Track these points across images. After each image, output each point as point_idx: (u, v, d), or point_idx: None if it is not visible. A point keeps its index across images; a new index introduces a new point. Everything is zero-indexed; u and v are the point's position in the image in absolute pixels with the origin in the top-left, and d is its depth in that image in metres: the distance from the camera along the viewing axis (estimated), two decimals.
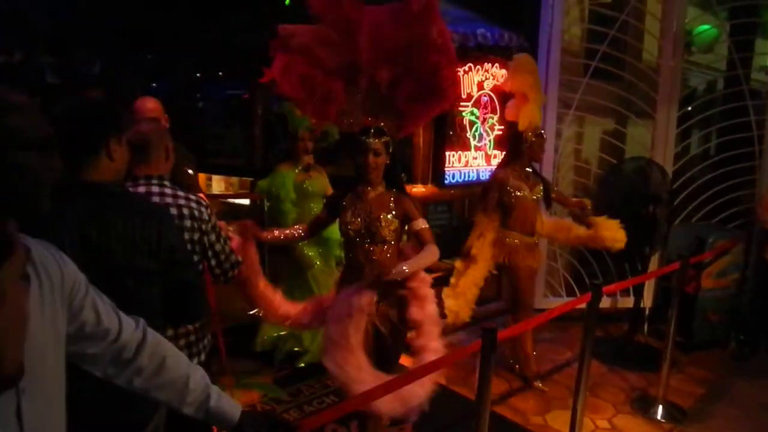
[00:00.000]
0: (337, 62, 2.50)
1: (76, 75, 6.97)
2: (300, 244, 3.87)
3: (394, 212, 2.63)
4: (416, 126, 2.64)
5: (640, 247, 4.72)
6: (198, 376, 1.42)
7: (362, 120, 2.62)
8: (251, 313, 4.87)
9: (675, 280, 3.72)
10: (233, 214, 6.52)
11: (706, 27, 5.73)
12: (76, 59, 7.66)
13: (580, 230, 4.07)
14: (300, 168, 3.96)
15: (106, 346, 1.28)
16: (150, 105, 2.86)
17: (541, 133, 3.88)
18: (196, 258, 2.16)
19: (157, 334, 1.41)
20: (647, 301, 5.03)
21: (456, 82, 2.72)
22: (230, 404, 1.44)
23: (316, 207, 3.79)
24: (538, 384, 4.00)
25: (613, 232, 3.99)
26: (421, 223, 2.65)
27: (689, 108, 5.22)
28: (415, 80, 2.59)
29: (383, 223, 2.60)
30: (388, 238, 2.63)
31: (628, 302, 4.95)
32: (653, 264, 4.93)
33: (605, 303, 5.01)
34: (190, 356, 2.18)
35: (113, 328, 1.29)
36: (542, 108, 4.08)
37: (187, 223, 2.09)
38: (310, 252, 3.97)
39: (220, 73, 6.53)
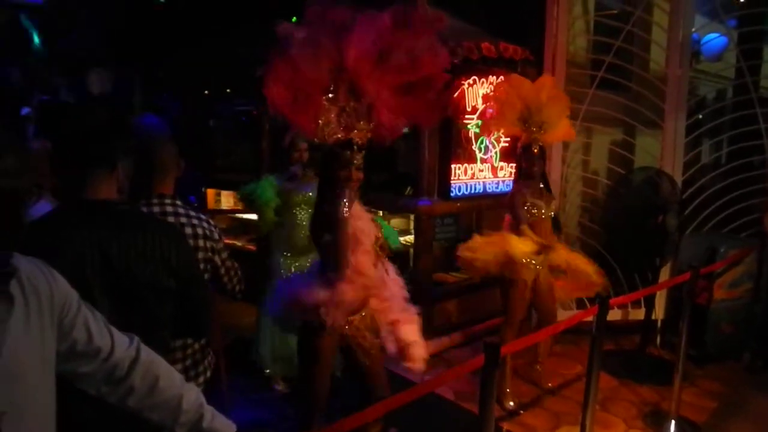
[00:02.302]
0: (322, 67, 2.47)
1: (88, 94, 7.07)
2: (283, 254, 3.92)
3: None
4: (392, 138, 2.62)
5: (651, 258, 4.66)
6: (192, 395, 1.41)
7: (338, 131, 2.57)
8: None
9: (685, 291, 3.66)
10: (242, 228, 6.55)
11: (714, 35, 5.70)
12: (89, 78, 7.79)
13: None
14: (286, 178, 3.94)
15: (98, 365, 1.27)
16: (153, 121, 2.87)
17: (527, 146, 3.78)
18: (207, 276, 2.18)
19: (152, 352, 1.39)
20: (659, 313, 4.96)
21: (445, 100, 2.68)
22: (224, 425, 1.43)
23: (301, 215, 3.84)
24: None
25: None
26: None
27: (698, 117, 5.18)
28: (399, 93, 2.56)
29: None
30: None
31: (640, 314, 4.87)
32: (665, 275, 4.86)
33: (616, 315, 4.96)
34: (196, 375, 2.17)
35: (105, 346, 1.28)
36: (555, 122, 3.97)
37: (201, 242, 2.10)
38: (288, 261, 3.94)
39: (228, 90, 6.57)
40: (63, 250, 1.52)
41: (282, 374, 4.03)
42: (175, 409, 1.37)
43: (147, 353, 1.37)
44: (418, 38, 2.50)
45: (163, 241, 1.70)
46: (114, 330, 1.32)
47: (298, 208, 3.91)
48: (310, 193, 3.74)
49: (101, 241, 1.57)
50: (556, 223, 3.97)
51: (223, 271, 2.23)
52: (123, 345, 1.32)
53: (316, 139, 2.58)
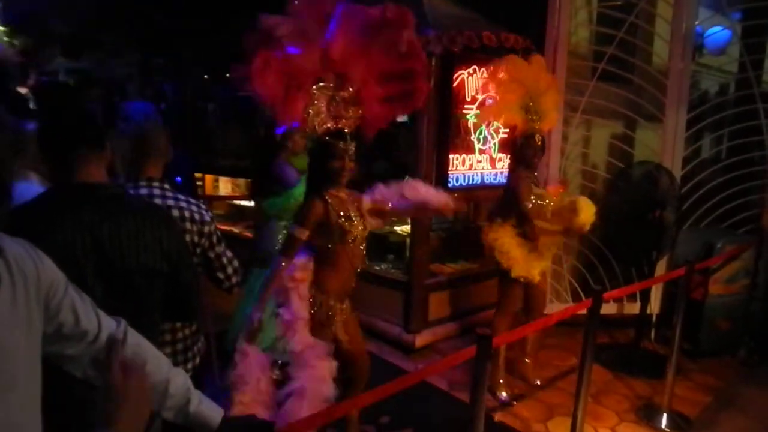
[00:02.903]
0: (309, 59, 2.47)
1: (86, 76, 7.05)
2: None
3: (358, 211, 2.72)
4: (378, 127, 2.67)
5: (648, 252, 4.65)
6: (179, 380, 1.40)
7: (327, 120, 2.59)
8: None
9: (680, 285, 3.65)
10: (239, 215, 6.54)
11: (717, 29, 5.65)
12: (87, 61, 7.77)
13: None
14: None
15: (84, 347, 1.26)
16: (143, 107, 2.85)
17: (530, 135, 3.67)
18: (196, 260, 2.16)
19: (139, 336, 1.38)
20: (654, 307, 4.96)
21: (425, 88, 2.73)
22: (211, 409, 1.42)
23: None
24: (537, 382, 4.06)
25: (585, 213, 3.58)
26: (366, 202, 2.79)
27: (699, 111, 5.14)
28: (384, 83, 2.60)
29: (355, 222, 2.65)
30: (359, 237, 2.67)
31: (635, 308, 4.87)
32: (661, 269, 4.86)
33: (611, 309, 4.96)
34: (185, 361, 2.17)
35: (92, 329, 1.27)
36: (552, 111, 3.92)
37: (188, 225, 2.09)
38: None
39: (228, 75, 6.54)
40: (53, 233, 1.51)
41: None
42: (162, 394, 1.36)
43: (134, 337, 1.36)
44: (401, 32, 2.51)
45: (154, 225, 1.70)
46: (101, 313, 1.31)
47: None
48: None
49: (92, 224, 1.57)
50: None
51: (212, 255, 2.20)
52: (110, 328, 1.31)
53: (307, 129, 2.57)
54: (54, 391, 1.21)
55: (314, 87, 2.52)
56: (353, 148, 2.57)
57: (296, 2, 2.47)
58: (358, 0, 2.50)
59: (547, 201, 3.67)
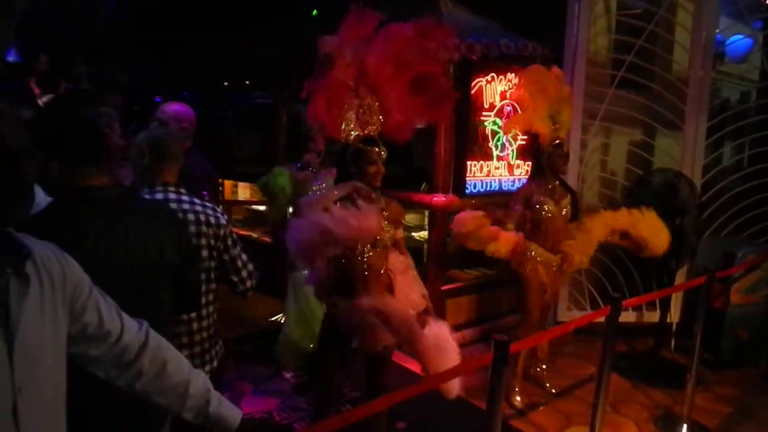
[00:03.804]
0: (350, 73, 2.59)
1: (106, 83, 7.15)
2: None
3: (388, 218, 2.73)
4: (401, 135, 2.75)
5: (667, 260, 4.61)
6: (199, 381, 1.43)
7: (356, 128, 2.68)
8: (272, 319, 4.92)
9: (701, 294, 3.61)
10: (257, 220, 6.60)
11: (738, 37, 5.61)
12: (108, 68, 7.88)
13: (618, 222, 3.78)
14: (300, 167, 3.95)
15: (107, 348, 1.30)
16: (173, 108, 2.91)
17: (558, 143, 3.74)
18: (213, 264, 2.20)
19: (161, 337, 1.41)
20: (674, 316, 4.91)
21: (451, 95, 2.82)
22: (230, 410, 1.45)
23: None
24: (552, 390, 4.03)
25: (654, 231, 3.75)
26: (401, 233, 2.83)
27: (720, 119, 5.10)
28: (407, 91, 2.68)
29: (385, 228, 2.68)
30: (387, 243, 2.71)
31: (655, 317, 4.83)
32: (681, 278, 4.81)
33: (630, 317, 4.92)
34: (203, 364, 2.20)
35: (115, 330, 1.31)
36: (569, 121, 3.96)
37: (204, 228, 2.13)
38: None
39: (247, 82, 6.61)
40: (70, 238, 1.53)
41: (294, 365, 4.04)
42: (182, 394, 1.39)
43: (156, 338, 1.39)
44: (430, 43, 2.65)
45: (168, 224, 1.75)
46: (124, 315, 1.35)
47: None
48: (323, 185, 3.75)
49: (107, 227, 1.59)
50: (576, 213, 3.91)
51: (227, 257, 2.22)
52: (132, 330, 1.35)
53: (342, 139, 2.64)
54: (76, 392, 1.24)
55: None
56: (385, 154, 2.65)
57: (344, 24, 2.61)
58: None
59: (553, 210, 3.70)
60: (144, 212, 1.70)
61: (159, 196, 2.10)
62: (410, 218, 5.55)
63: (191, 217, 2.10)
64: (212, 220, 2.15)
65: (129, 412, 1.53)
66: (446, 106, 2.82)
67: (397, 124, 2.70)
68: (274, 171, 3.95)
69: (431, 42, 2.65)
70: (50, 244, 1.21)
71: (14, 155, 1.04)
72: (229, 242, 2.23)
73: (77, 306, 1.23)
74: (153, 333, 1.38)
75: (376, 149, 2.63)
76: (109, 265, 1.55)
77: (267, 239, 5.98)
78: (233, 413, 1.44)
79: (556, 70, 3.91)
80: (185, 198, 2.14)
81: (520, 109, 4.02)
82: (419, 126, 4.98)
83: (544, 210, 3.70)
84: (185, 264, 1.80)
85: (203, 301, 2.14)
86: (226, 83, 6.94)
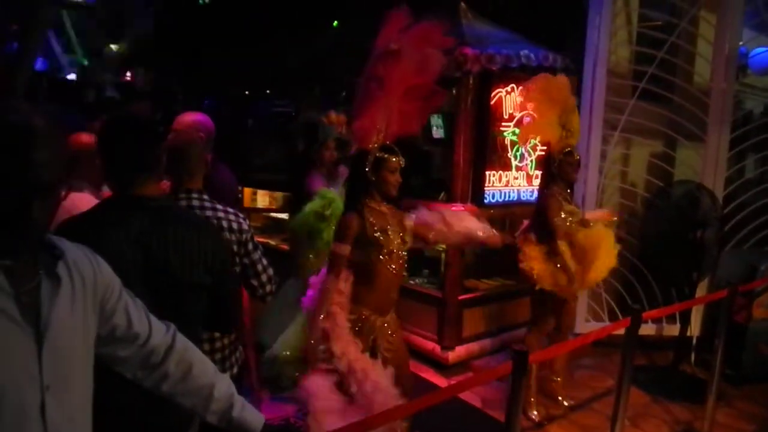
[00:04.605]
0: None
1: (132, 91, 7.29)
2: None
3: (399, 226, 2.74)
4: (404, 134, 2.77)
5: (688, 273, 4.56)
6: (224, 385, 1.45)
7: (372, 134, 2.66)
8: None
9: (722, 308, 3.56)
10: (276, 227, 6.64)
11: (762, 49, 5.56)
12: (133, 77, 8.03)
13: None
14: (334, 185, 3.89)
15: (135, 350, 1.32)
16: (190, 118, 2.94)
17: (569, 151, 3.71)
18: (236, 269, 2.21)
19: (187, 340, 1.44)
20: (695, 330, 4.84)
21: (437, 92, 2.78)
22: (253, 415, 1.46)
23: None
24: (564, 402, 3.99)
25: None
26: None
27: (743, 131, 5.04)
28: (408, 98, 2.68)
29: (392, 236, 2.67)
30: (396, 251, 2.69)
31: (675, 330, 4.77)
32: (702, 291, 4.75)
33: (650, 330, 4.86)
34: (223, 370, 2.21)
35: (143, 332, 1.33)
36: (579, 129, 3.94)
37: (227, 235, 2.14)
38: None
39: (268, 91, 6.69)
40: (104, 243, 1.56)
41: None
42: (207, 397, 1.41)
43: (182, 341, 1.42)
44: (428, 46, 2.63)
45: (200, 237, 1.74)
46: (152, 317, 1.37)
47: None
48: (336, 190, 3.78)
49: (141, 234, 1.62)
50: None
51: (247, 261, 2.23)
52: (160, 332, 1.37)
53: (369, 147, 2.62)
54: (103, 391, 1.26)
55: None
56: (403, 163, 2.64)
57: (384, 29, 2.60)
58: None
59: (578, 218, 3.68)
60: (182, 225, 1.71)
61: (182, 203, 2.12)
62: None
63: (214, 223, 2.13)
64: (234, 225, 2.17)
65: (156, 411, 1.55)
66: (421, 119, 2.82)
67: (395, 131, 2.70)
68: (322, 193, 3.74)
69: (431, 45, 2.63)
70: (82, 246, 1.24)
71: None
72: (250, 247, 2.24)
73: (107, 308, 1.26)
74: (180, 336, 1.41)
75: (397, 158, 2.62)
76: (134, 272, 1.58)
77: (285, 247, 6.01)
78: (256, 418, 1.45)
79: (562, 77, 3.90)
80: (207, 204, 2.16)
81: (531, 118, 4.00)
82: (437, 136, 5.03)
83: (572, 218, 3.66)
84: (218, 282, 1.79)
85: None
86: (247, 92, 7.02)
